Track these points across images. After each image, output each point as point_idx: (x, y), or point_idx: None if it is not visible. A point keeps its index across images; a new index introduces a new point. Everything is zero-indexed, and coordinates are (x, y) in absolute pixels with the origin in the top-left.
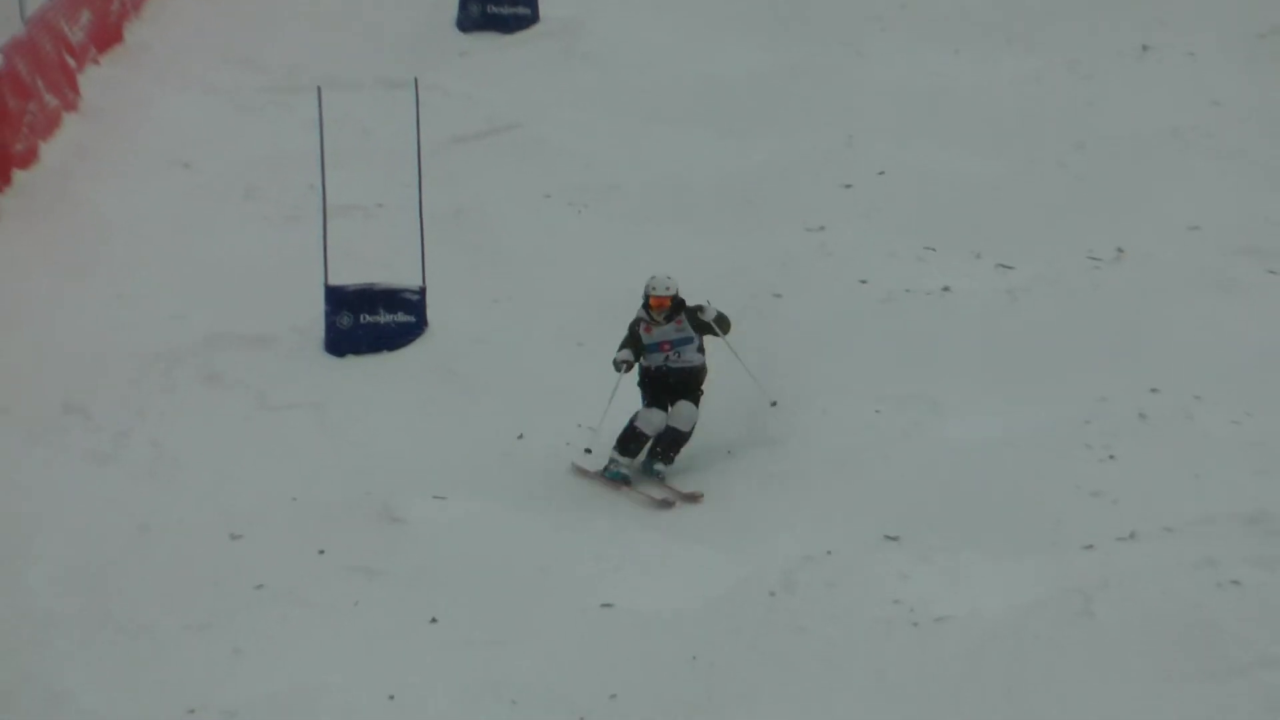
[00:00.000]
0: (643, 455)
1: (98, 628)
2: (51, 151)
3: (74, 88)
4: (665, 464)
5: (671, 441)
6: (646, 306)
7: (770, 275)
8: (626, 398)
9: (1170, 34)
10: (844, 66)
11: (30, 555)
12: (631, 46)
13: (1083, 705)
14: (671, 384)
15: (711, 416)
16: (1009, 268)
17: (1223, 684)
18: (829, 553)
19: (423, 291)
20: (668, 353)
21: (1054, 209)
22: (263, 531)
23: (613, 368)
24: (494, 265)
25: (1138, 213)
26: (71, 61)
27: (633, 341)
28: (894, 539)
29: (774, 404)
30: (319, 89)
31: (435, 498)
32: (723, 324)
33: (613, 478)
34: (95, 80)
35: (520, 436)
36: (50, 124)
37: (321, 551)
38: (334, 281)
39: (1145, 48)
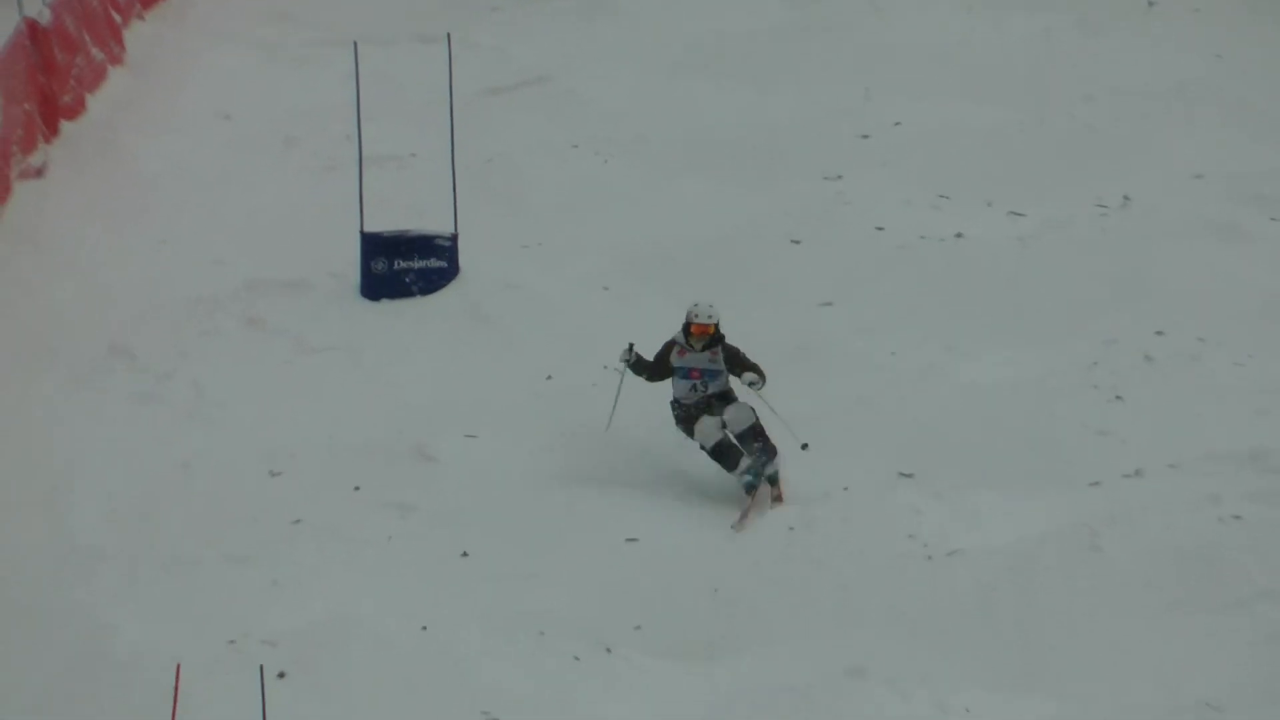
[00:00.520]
0: (746, 459)
1: (142, 562)
2: (97, 104)
3: (119, 42)
4: (773, 455)
5: (756, 439)
6: (686, 331)
7: (789, 222)
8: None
9: None
10: (862, 22)
11: (77, 492)
12: (657, 2)
13: (1090, 635)
14: (709, 400)
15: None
16: (1020, 215)
17: (1224, 615)
18: (846, 489)
19: (454, 238)
20: (696, 380)
21: (1063, 159)
22: (300, 469)
23: (623, 363)
24: (523, 213)
25: (1144, 162)
26: (117, 17)
27: (660, 360)
28: (909, 476)
29: (805, 447)
30: (355, 44)
31: (466, 436)
32: (757, 377)
33: (747, 486)
34: (140, 35)
35: (549, 377)
36: (96, 77)
37: (357, 488)
38: (369, 228)
39: (1151, 3)
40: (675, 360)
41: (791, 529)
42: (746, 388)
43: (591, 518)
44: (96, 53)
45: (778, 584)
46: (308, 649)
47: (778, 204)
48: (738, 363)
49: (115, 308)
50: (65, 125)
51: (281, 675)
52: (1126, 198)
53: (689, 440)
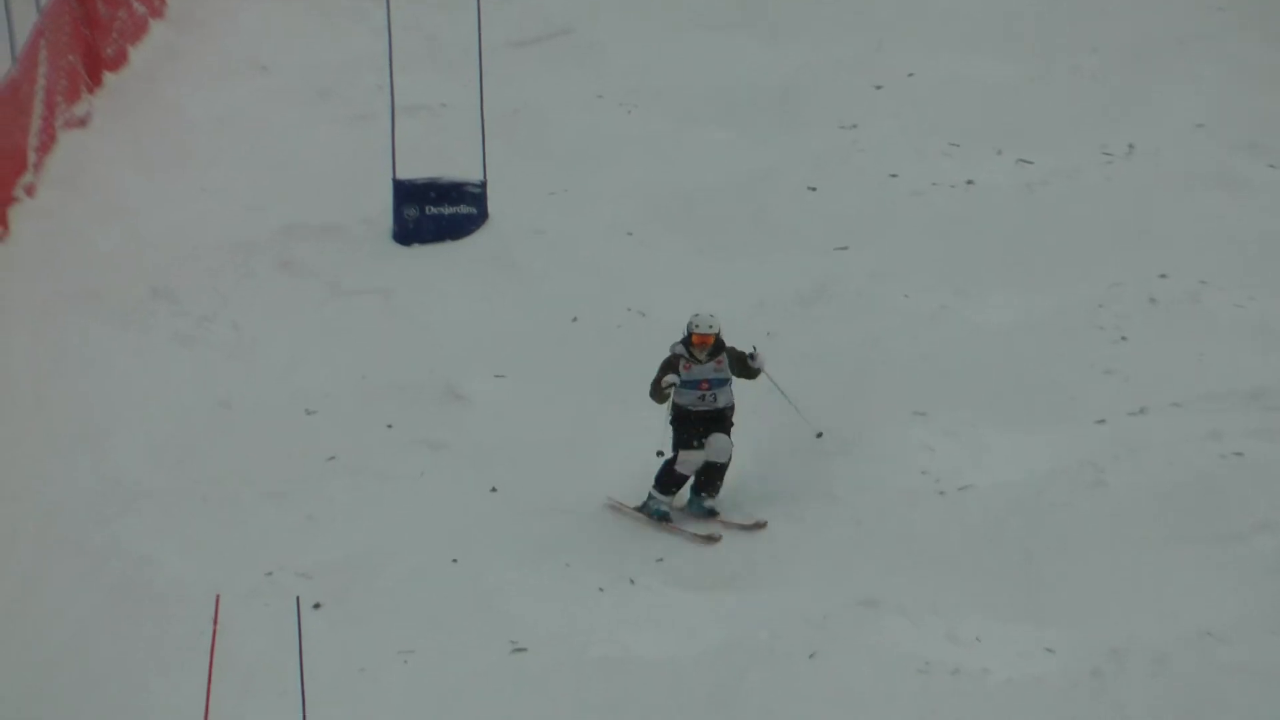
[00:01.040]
0: (684, 492)
1: (183, 497)
2: (139, 55)
3: None
4: (713, 496)
5: (712, 475)
6: (688, 343)
7: (806, 170)
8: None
9: None
10: None
11: (121, 430)
12: None
13: (1095, 567)
14: (705, 419)
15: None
16: (1028, 163)
17: (1225, 547)
18: (860, 427)
19: (484, 185)
20: (704, 392)
21: (1070, 109)
22: (335, 407)
23: (657, 399)
24: (549, 161)
25: (1147, 112)
26: None
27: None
28: (921, 415)
29: (820, 435)
30: None
31: (495, 376)
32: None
33: (655, 515)
34: None
35: (574, 319)
36: (138, 30)
37: (389, 426)
38: (401, 176)
39: None
40: (682, 374)
41: (809, 465)
42: (758, 369)
43: (616, 455)
44: (138, 6)
45: (794, 516)
46: (342, 581)
47: (795, 152)
48: (741, 361)
49: (156, 252)
50: (108, 76)
51: (317, 606)
52: (1131, 146)
53: (669, 434)
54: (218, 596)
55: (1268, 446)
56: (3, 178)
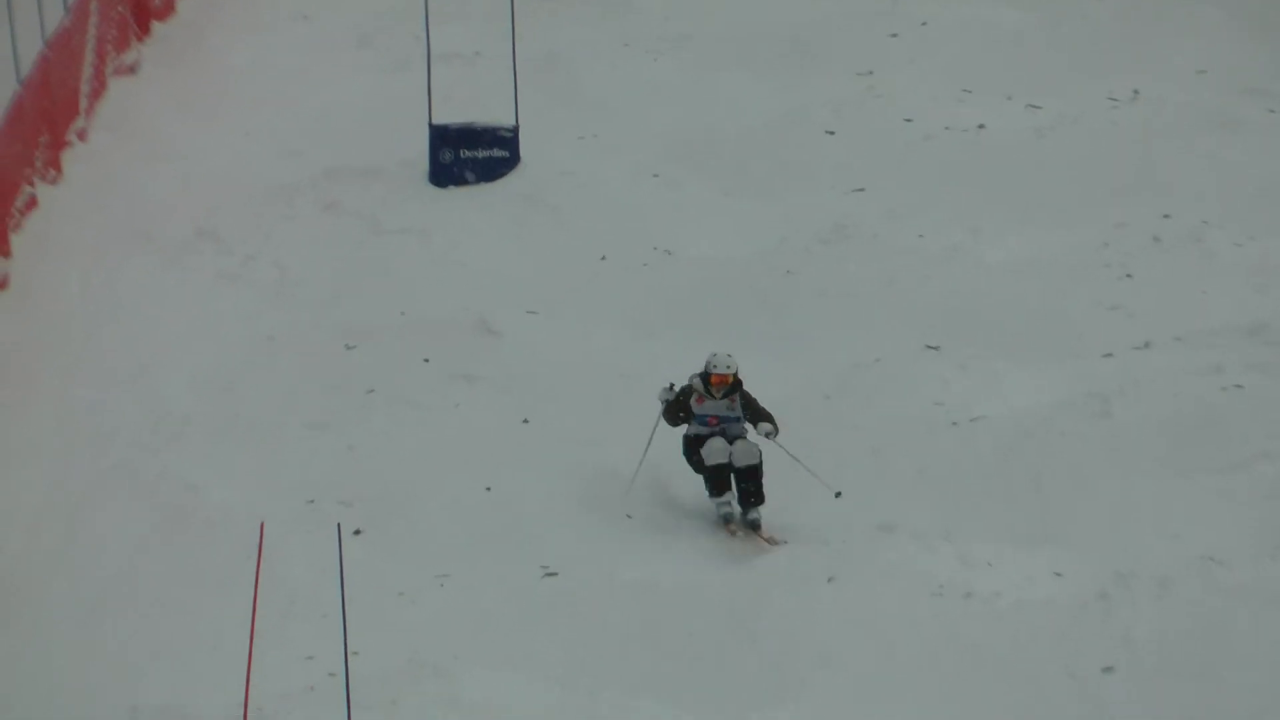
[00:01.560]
0: (731, 493)
1: (228, 428)
2: (186, 5)
3: None
4: (754, 507)
5: (751, 480)
6: (705, 380)
7: (824, 115)
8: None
9: None
10: None
11: (169, 364)
12: None
13: (1101, 494)
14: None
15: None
16: (1037, 108)
17: (1225, 475)
18: (877, 360)
19: (516, 129)
20: (714, 427)
21: (1077, 56)
22: (374, 342)
23: (662, 406)
24: (579, 106)
25: (1151, 59)
26: None
27: (683, 406)
28: (935, 349)
29: (839, 495)
30: None
31: (528, 312)
32: (773, 428)
33: (721, 519)
34: None
35: (603, 258)
36: None
37: (426, 360)
38: (437, 121)
39: None
40: (695, 408)
41: (827, 397)
42: (763, 438)
43: (643, 386)
44: None
45: (815, 449)
46: (381, 508)
47: (813, 97)
48: (754, 411)
49: (202, 194)
50: (156, 25)
51: (357, 533)
52: (1135, 92)
53: (694, 474)
54: (262, 524)
55: (1267, 379)
56: (56, 123)
